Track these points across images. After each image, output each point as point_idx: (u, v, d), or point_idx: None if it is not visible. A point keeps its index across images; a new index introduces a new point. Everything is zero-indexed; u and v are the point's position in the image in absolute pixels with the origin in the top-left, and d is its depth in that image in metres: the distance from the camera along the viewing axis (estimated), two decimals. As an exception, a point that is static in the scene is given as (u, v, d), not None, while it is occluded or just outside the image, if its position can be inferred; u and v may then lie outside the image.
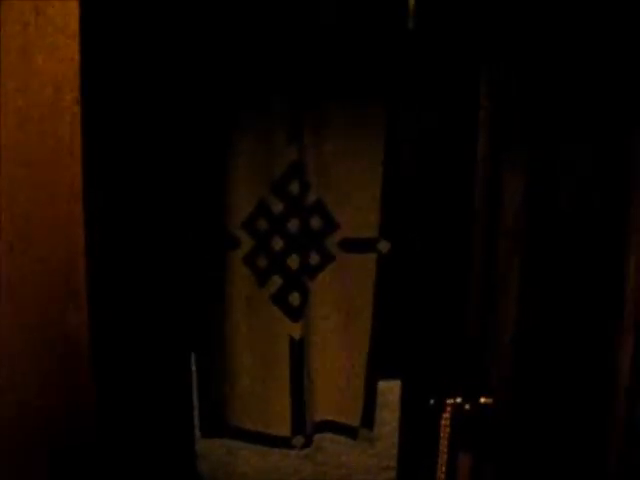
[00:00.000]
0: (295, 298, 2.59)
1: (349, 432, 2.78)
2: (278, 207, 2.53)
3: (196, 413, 2.70)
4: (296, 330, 2.61)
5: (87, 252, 1.67)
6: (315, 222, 2.57)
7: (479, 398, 1.99)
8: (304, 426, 2.70)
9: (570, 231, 2.06)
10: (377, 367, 2.69)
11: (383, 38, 2.42)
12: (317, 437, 2.78)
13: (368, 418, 2.76)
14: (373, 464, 3.31)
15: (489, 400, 1.98)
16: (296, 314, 2.60)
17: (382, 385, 2.70)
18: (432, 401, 2.05)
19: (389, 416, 3.36)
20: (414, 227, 2.50)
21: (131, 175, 2.27)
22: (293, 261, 2.57)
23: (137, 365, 2.37)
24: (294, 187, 2.53)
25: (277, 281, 2.58)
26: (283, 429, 2.69)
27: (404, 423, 2.56)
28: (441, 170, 2.38)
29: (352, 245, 2.58)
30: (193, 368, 2.65)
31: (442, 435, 2.06)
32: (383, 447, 3.24)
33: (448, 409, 1.98)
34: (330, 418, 2.76)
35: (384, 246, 2.58)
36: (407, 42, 2.39)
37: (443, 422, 1.99)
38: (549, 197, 2.05)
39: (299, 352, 2.63)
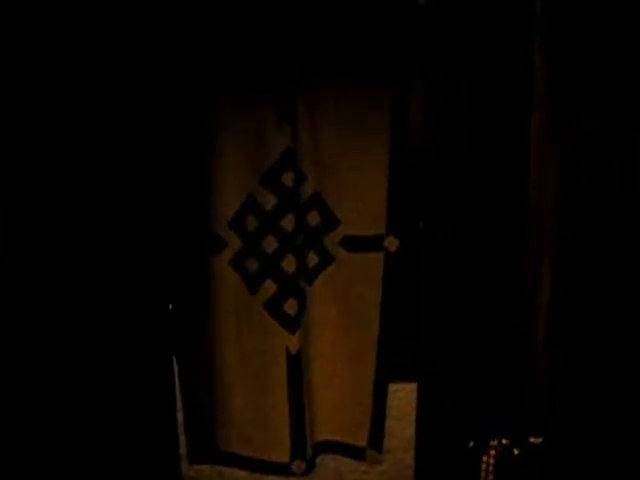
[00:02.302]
0: (291, 306, 2.32)
1: (355, 453, 2.51)
2: (269, 202, 2.26)
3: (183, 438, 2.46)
4: (293, 342, 2.33)
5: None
6: (312, 218, 2.30)
7: (526, 437, 1.69)
8: (304, 450, 2.42)
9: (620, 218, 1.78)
10: (386, 380, 2.43)
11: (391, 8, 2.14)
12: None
13: (376, 438, 2.49)
14: (381, 480, 3.06)
15: (537, 440, 1.69)
16: (293, 324, 2.33)
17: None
18: (472, 443, 1.76)
19: (396, 425, 3.09)
20: (426, 221, 2.29)
21: (99, 167, 2.10)
22: (288, 263, 2.30)
23: (109, 385, 2.23)
24: (287, 179, 2.25)
25: (271, 287, 2.31)
26: (281, 454, 2.42)
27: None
28: (458, 155, 2.15)
29: (355, 243, 2.32)
30: (177, 387, 2.41)
31: None
32: (392, 462, 2.95)
33: (492, 452, 1.68)
34: (333, 438, 2.50)
35: (392, 243, 2.31)
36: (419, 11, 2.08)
37: (484, 466, 1.69)
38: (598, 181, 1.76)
39: (297, 367, 2.36)
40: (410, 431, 2.50)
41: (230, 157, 2.22)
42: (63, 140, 2.07)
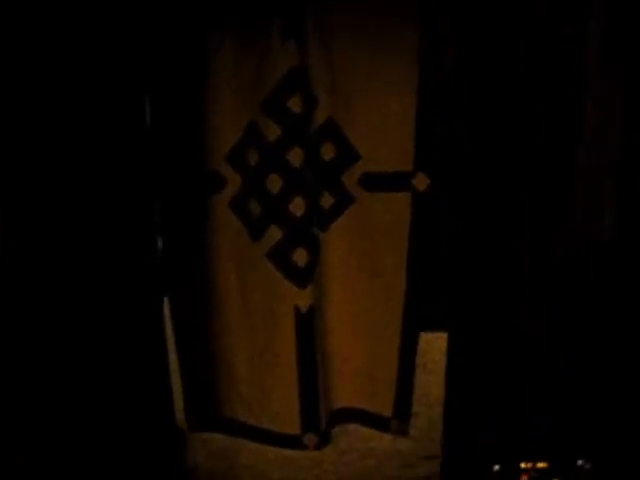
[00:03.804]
0: (301, 256, 2.03)
1: (379, 423, 2.22)
2: (273, 132, 1.97)
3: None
4: (304, 298, 2.04)
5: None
6: (326, 151, 2.01)
7: (574, 460, 1.40)
8: (317, 421, 2.14)
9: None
10: (415, 332, 2.15)
11: None
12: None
13: (403, 405, 2.18)
14: (409, 451, 2.77)
15: (587, 464, 1.40)
16: (303, 277, 2.04)
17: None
18: (497, 467, 1.48)
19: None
20: (460, 156, 2.01)
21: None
22: (297, 206, 2.01)
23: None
24: (294, 104, 1.95)
25: (275, 233, 2.03)
26: (291, 425, 2.14)
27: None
28: (494, 87, 1.92)
29: (378, 182, 2.05)
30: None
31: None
32: (421, 428, 2.64)
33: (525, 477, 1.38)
34: (353, 405, 2.20)
35: (421, 182, 2.03)
36: None
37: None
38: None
39: (308, 326, 2.07)
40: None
41: (226, 79, 1.94)
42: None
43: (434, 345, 2.59)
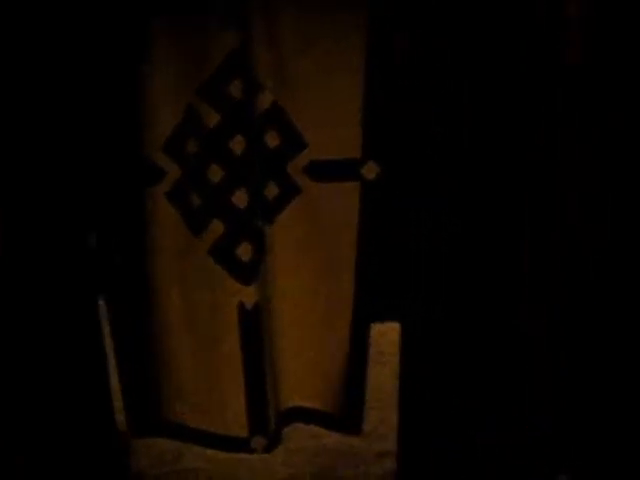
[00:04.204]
0: (245, 250, 1.92)
1: (330, 422, 2.14)
2: (213, 119, 1.84)
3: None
4: (249, 295, 1.94)
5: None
6: (271, 139, 1.90)
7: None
8: (266, 423, 2.04)
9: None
10: (364, 333, 2.07)
11: None
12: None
13: (355, 402, 2.10)
14: (362, 449, 2.70)
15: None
16: (247, 273, 1.93)
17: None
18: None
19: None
20: (413, 143, 1.93)
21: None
22: (240, 198, 1.89)
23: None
24: (236, 89, 1.82)
25: (218, 227, 1.92)
26: (238, 428, 2.04)
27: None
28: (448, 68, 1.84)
29: (325, 170, 1.95)
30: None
31: None
32: (374, 424, 2.57)
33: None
34: (303, 405, 2.12)
35: (370, 170, 1.94)
36: None
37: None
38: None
39: (255, 324, 1.97)
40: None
41: (161, 63, 1.80)
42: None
43: (386, 337, 2.52)
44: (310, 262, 2.00)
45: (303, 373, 2.08)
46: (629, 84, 1.75)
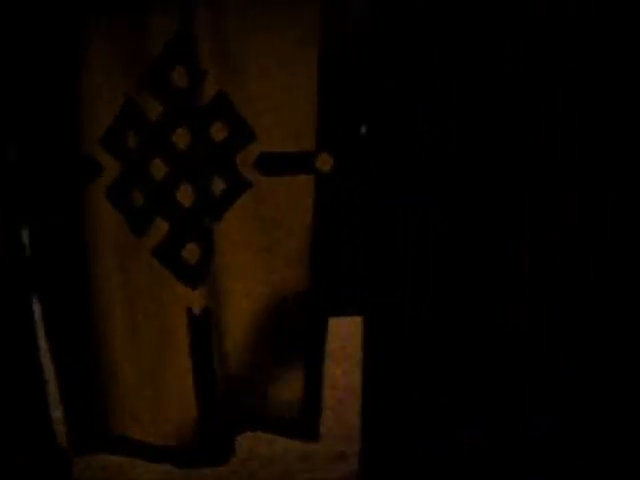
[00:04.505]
0: (192, 252, 1.79)
1: (285, 428, 2.02)
2: (155, 110, 1.71)
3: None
4: (197, 299, 1.81)
5: None
6: (217, 131, 1.77)
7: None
8: (217, 433, 1.92)
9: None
10: (321, 331, 1.96)
11: None
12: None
13: (312, 406, 1.99)
14: (318, 452, 2.59)
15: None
16: (195, 276, 1.80)
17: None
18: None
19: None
20: (369, 133, 1.83)
21: None
22: (185, 194, 1.76)
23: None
24: (179, 77, 1.69)
25: (162, 227, 1.78)
26: (188, 440, 1.91)
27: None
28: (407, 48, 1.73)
29: (277, 163, 1.82)
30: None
31: None
32: (330, 425, 2.47)
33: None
34: (256, 412, 2.00)
35: (325, 162, 1.82)
36: None
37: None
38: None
39: (204, 330, 1.84)
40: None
41: (98, 47, 1.66)
42: None
43: (338, 332, 2.43)
44: (262, 261, 1.88)
45: (256, 379, 1.96)
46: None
